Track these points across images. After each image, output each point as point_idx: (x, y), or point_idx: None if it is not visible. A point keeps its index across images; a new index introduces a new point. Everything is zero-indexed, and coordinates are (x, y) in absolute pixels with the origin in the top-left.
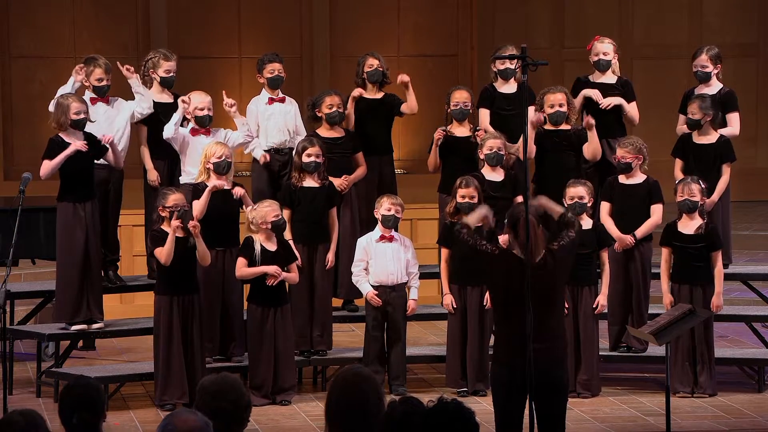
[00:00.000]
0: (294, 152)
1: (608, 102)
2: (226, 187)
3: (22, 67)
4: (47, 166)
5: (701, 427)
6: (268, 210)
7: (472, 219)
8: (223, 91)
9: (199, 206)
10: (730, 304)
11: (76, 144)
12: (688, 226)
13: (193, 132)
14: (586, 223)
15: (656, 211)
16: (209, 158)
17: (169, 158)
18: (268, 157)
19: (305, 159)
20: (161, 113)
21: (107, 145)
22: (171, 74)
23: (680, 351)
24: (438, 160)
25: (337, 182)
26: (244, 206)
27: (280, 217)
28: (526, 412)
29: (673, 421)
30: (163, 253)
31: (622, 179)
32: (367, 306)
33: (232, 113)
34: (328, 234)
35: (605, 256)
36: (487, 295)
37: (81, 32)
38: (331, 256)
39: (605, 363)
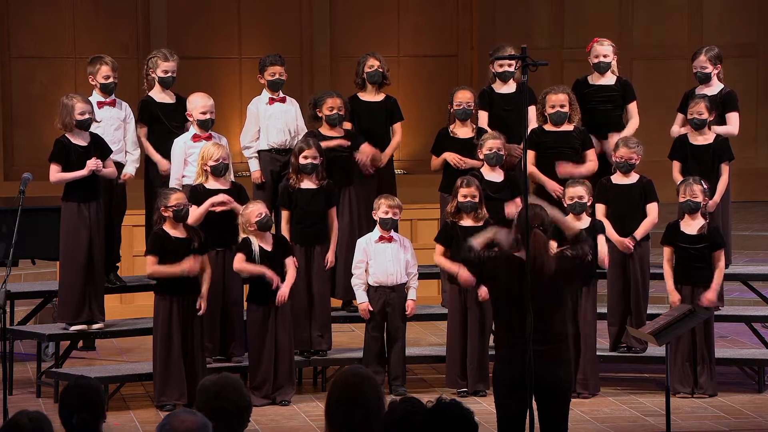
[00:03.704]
0: (291, 153)
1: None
2: (225, 187)
3: (22, 67)
4: (59, 176)
5: (701, 427)
6: (251, 211)
7: (478, 241)
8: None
9: (196, 214)
10: (730, 304)
11: (90, 165)
12: (690, 226)
13: (195, 138)
14: (584, 222)
15: (652, 210)
16: (206, 160)
17: (169, 159)
18: (260, 179)
19: (302, 160)
20: (162, 113)
21: (111, 149)
22: (169, 75)
23: (680, 351)
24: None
25: (366, 152)
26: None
27: (264, 215)
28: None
29: (673, 421)
30: (156, 271)
31: (615, 180)
32: None
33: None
34: (327, 235)
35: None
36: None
37: (81, 32)
38: (330, 256)
39: (605, 363)
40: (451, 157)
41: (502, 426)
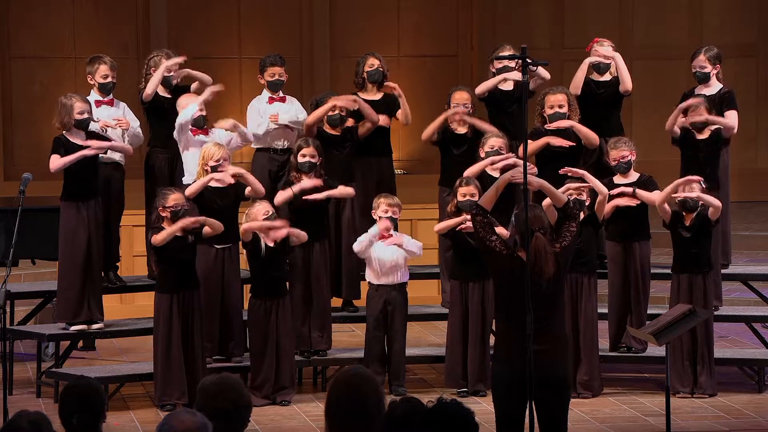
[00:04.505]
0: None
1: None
2: (225, 186)
3: (22, 68)
4: (59, 162)
5: (701, 427)
6: (258, 209)
7: (486, 200)
8: (222, 121)
9: (194, 186)
10: (730, 304)
11: (94, 144)
12: (688, 218)
13: (193, 132)
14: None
15: (656, 194)
16: (207, 160)
17: (171, 153)
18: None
19: (300, 159)
20: (164, 104)
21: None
22: (171, 73)
23: (680, 351)
24: (435, 136)
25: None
26: (246, 192)
27: (271, 213)
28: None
29: (673, 421)
30: (161, 234)
31: (617, 180)
32: (368, 306)
33: (234, 129)
34: (325, 232)
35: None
36: None
37: (81, 32)
38: (312, 183)
39: (605, 363)
40: (452, 111)
41: (501, 426)
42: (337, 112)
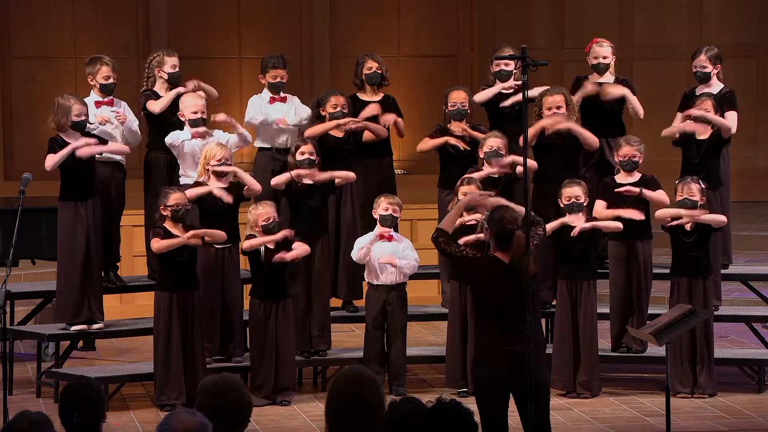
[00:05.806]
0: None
1: (614, 93)
2: (225, 185)
3: (22, 68)
4: (52, 159)
5: (701, 427)
6: (260, 213)
7: (447, 224)
8: (213, 115)
9: (194, 192)
10: (730, 304)
11: (83, 141)
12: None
13: (193, 135)
14: (581, 221)
15: (661, 193)
16: (209, 160)
17: (170, 153)
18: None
19: (298, 157)
20: (163, 111)
21: (107, 138)
22: (177, 69)
23: (680, 351)
24: (432, 151)
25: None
26: (244, 191)
27: (272, 219)
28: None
29: (673, 421)
30: (161, 244)
31: (619, 179)
32: (367, 306)
33: (231, 125)
34: (326, 228)
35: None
36: None
37: (81, 32)
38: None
39: (605, 363)
40: (453, 141)
41: (487, 428)
42: (339, 109)
